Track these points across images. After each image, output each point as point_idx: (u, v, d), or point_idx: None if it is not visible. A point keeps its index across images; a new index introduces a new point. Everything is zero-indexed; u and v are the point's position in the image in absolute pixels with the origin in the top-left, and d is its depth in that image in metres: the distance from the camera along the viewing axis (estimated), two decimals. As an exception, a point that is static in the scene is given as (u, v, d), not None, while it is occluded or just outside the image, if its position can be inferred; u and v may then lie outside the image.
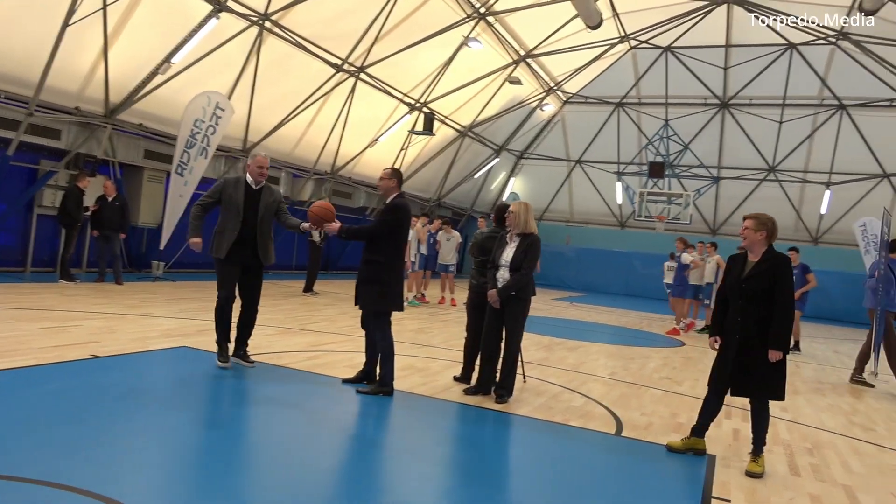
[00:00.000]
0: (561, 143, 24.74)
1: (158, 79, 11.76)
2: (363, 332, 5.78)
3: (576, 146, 24.52)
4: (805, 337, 13.15)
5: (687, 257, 12.35)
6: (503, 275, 5.57)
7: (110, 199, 11.15)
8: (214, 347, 5.91)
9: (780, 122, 20.87)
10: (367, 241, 5.43)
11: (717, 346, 4.57)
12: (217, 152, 12.99)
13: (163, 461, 3.53)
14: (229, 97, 12.81)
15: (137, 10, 10.81)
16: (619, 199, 24.02)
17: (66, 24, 9.76)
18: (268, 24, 12.58)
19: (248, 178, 5.83)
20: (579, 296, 20.81)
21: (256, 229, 5.77)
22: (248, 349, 6.02)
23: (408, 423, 4.91)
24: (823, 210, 21.35)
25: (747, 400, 4.52)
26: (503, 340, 5.65)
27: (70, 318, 7.34)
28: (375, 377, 5.51)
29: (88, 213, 11.16)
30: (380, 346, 5.41)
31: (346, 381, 5.67)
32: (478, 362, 5.91)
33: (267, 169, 5.90)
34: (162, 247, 12.08)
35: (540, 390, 6.20)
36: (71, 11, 9.69)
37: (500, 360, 5.67)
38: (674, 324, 12.96)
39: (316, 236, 12.71)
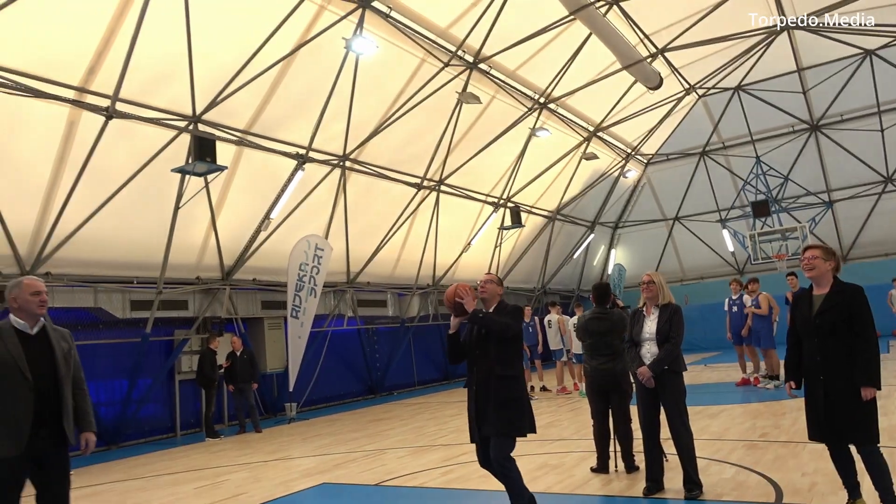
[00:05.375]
0: (653, 204, 24.31)
1: (262, 235, 12.82)
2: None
3: (669, 204, 23.99)
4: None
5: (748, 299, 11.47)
6: (650, 349, 5.17)
7: (239, 353, 11.95)
8: (353, 479, 6.02)
9: (882, 130, 19.62)
10: (498, 335, 4.46)
11: (792, 392, 4.31)
12: (324, 289, 13.74)
13: None
14: (326, 236, 13.71)
15: (234, 181, 12.02)
16: (731, 247, 22.97)
17: (177, 208, 10.97)
18: (347, 163, 13.57)
19: (15, 319, 3.89)
20: (713, 355, 19.62)
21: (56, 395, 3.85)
22: None
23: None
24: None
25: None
26: (670, 424, 5.03)
27: (219, 474, 7.76)
28: None
29: (222, 370, 11.98)
30: (509, 477, 4.35)
31: None
32: (615, 450, 5.66)
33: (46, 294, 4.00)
34: (291, 388, 12.70)
35: (685, 467, 5.83)
36: (179, 195, 10.92)
37: (642, 444, 5.29)
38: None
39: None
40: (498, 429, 4.32)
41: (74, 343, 4.06)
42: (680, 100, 19.56)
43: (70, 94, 9.13)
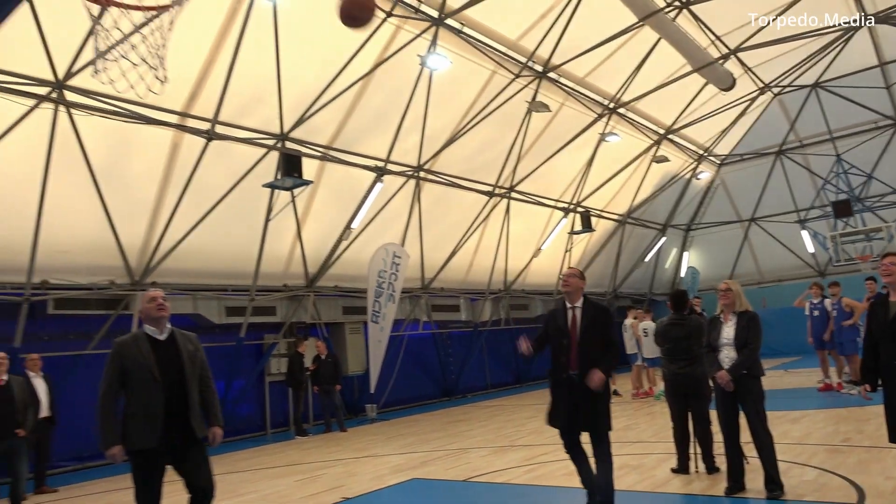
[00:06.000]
0: (727, 205, 23.83)
1: (343, 244, 13.49)
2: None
3: (745, 205, 23.46)
4: None
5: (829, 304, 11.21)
6: (728, 354, 5.34)
7: (324, 356, 12.62)
8: (441, 476, 6.43)
9: (976, 123, 18.68)
10: (616, 354, 5.04)
11: (867, 395, 4.40)
12: (402, 295, 14.29)
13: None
14: (402, 244, 14.27)
15: (317, 193, 12.73)
16: (811, 248, 22.26)
17: (267, 220, 11.75)
18: (422, 173, 14.09)
19: (147, 327, 4.34)
20: (793, 360, 19.12)
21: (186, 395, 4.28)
22: None
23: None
24: None
25: None
26: (750, 427, 5.19)
27: (315, 469, 8.36)
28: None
29: (308, 372, 12.68)
30: (606, 468, 4.85)
31: None
32: (694, 451, 5.86)
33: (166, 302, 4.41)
34: (372, 390, 13.31)
35: (766, 469, 5.96)
36: (269, 209, 11.69)
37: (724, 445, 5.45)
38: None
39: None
40: (593, 426, 4.83)
41: (200, 345, 4.50)
42: (754, 99, 19.21)
43: (174, 118, 9.98)
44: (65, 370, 10.13)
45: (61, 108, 8.78)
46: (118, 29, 3.37)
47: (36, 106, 8.53)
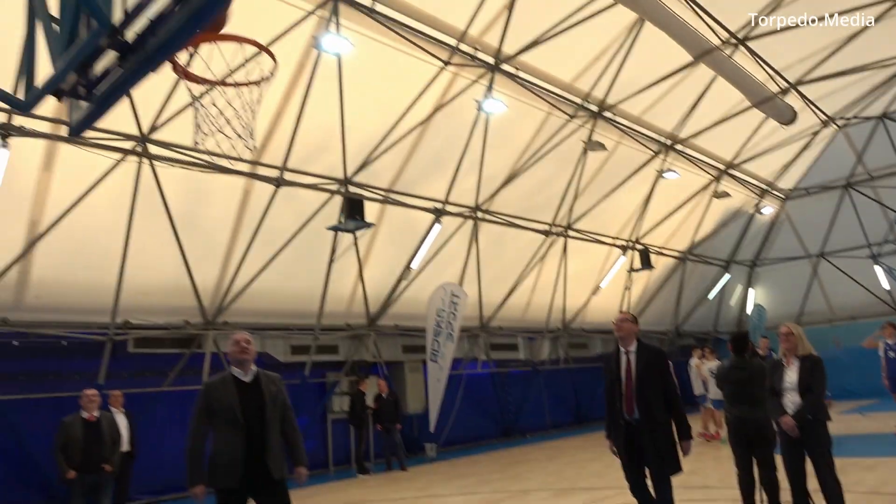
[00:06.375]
0: (794, 240, 23.09)
1: (403, 284, 13.81)
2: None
3: (812, 240, 22.68)
4: None
5: None
6: (792, 399, 5.25)
7: (384, 395, 12.85)
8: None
9: None
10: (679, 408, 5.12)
11: None
12: (460, 333, 14.45)
13: None
14: (460, 283, 14.48)
15: (378, 235, 13.14)
16: (886, 285, 21.28)
17: (331, 262, 12.20)
18: (479, 213, 14.36)
19: (234, 369, 4.51)
20: (870, 403, 18.17)
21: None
22: None
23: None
24: None
25: None
26: (818, 473, 5.12)
27: (376, 508, 8.51)
28: None
29: (370, 410, 12.91)
30: None
31: None
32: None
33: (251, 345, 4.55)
34: (431, 429, 13.42)
35: (838, 518, 5.77)
36: (332, 250, 12.15)
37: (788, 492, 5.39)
38: None
39: None
40: (666, 469, 4.88)
41: (283, 385, 4.60)
42: (817, 132, 18.79)
43: (246, 167, 10.58)
44: (142, 406, 10.66)
45: (144, 160, 9.48)
46: (214, 105, 3.76)
47: (122, 159, 9.24)
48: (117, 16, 2.72)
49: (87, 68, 3.02)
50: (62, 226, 9.07)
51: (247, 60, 3.75)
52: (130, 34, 2.76)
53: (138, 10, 2.61)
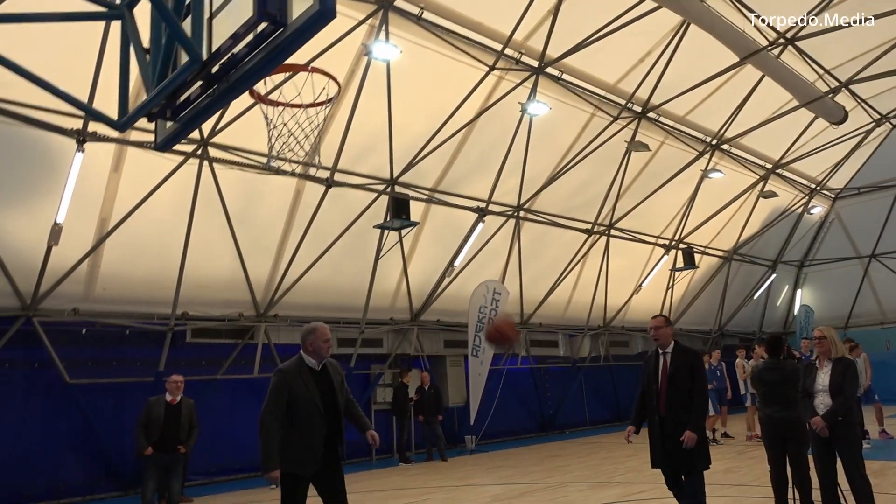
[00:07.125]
0: (844, 241, 22.64)
1: (446, 281, 14.17)
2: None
3: (864, 240, 22.19)
4: None
5: None
6: (823, 401, 5.45)
7: (427, 387, 13.25)
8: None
9: None
10: (700, 404, 5.33)
11: None
12: (501, 330, 14.73)
13: None
14: (502, 280, 14.77)
15: (422, 233, 13.52)
16: (940, 286, 20.75)
17: (376, 259, 12.64)
18: (521, 213, 14.60)
19: (307, 357, 4.64)
20: (920, 407, 17.76)
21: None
22: None
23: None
24: None
25: None
26: (847, 473, 5.30)
27: (420, 494, 8.90)
28: None
29: (412, 402, 13.33)
30: None
31: None
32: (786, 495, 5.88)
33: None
34: (472, 422, 13.77)
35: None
36: (378, 248, 12.58)
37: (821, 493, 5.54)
38: None
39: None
40: (691, 466, 5.15)
41: (343, 372, 4.83)
42: (870, 131, 18.39)
43: (297, 168, 11.06)
44: (197, 393, 11.26)
45: (205, 162, 10.05)
46: (285, 125, 4.16)
47: (184, 161, 9.82)
48: (205, 51, 3.12)
49: (175, 94, 3.44)
50: (128, 223, 9.70)
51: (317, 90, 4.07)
52: (216, 67, 3.15)
53: (226, 49, 3.00)
